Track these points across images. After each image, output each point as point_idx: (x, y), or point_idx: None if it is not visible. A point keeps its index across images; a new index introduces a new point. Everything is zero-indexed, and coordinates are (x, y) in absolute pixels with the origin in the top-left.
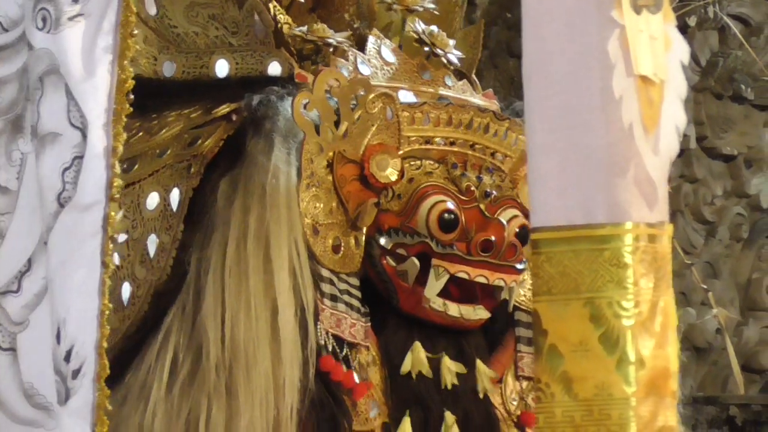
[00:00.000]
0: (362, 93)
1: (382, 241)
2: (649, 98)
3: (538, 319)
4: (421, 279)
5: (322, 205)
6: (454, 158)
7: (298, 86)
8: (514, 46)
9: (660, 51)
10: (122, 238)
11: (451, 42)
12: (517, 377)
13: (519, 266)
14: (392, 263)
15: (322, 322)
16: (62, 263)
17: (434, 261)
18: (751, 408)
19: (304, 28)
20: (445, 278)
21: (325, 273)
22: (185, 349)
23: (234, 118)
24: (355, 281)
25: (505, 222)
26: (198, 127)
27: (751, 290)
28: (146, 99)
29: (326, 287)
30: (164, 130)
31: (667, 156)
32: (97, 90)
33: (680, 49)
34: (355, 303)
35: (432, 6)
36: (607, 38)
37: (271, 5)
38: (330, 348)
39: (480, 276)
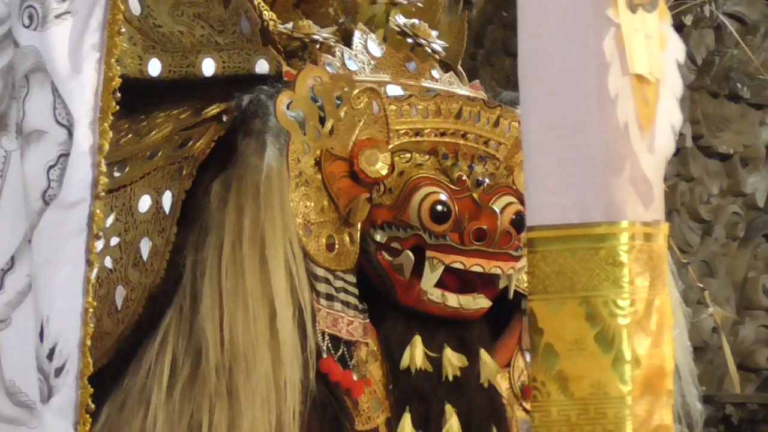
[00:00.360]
0: (346, 90)
1: (377, 236)
2: (644, 97)
3: (534, 317)
4: (418, 272)
5: (312, 204)
6: (444, 149)
7: (288, 84)
8: (510, 45)
9: (655, 50)
10: (114, 241)
11: (434, 33)
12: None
13: (515, 253)
14: (388, 258)
15: (319, 322)
16: (46, 261)
17: (428, 253)
18: (747, 407)
19: (290, 25)
20: (440, 269)
21: (320, 272)
22: (184, 352)
23: (224, 118)
24: (352, 278)
25: (498, 210)
26: (188, 128)
27: (747, 289)
28: (133, 99)
29: (322, 287)
30: (154, 132)
31: (663, 155)
32: (84, 88)
33: (676, 48)
34: (353, 300)
35: None
36: (603, 37)
37: (256, 2)
38: (327, 348)
39: (475, 265)
